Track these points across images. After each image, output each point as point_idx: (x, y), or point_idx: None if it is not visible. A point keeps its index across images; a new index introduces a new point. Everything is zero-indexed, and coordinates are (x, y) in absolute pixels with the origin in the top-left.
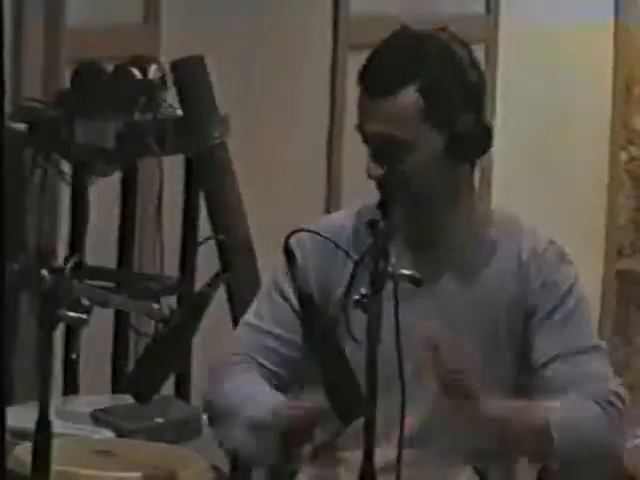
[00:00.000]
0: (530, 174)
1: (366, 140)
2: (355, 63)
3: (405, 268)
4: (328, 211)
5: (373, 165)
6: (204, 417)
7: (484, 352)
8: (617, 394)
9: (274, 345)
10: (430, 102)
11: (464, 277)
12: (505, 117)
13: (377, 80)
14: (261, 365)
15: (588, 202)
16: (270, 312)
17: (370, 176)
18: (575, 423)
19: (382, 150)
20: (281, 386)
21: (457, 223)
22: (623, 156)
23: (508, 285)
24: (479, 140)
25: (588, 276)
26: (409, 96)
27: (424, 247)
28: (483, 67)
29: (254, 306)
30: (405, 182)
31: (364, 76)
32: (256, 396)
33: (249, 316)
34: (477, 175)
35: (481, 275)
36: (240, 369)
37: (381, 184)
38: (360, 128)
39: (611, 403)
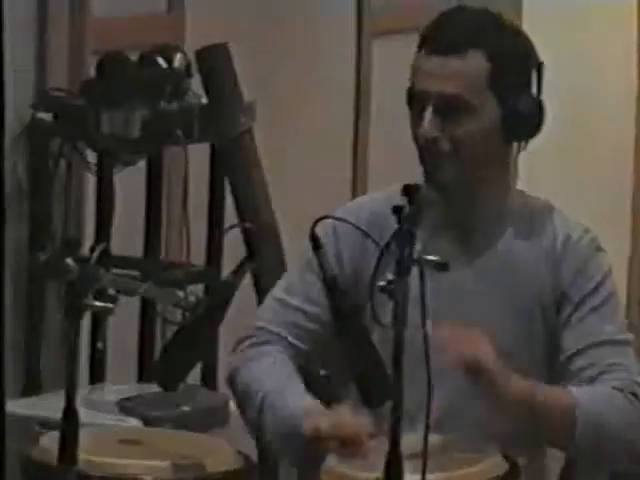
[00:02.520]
0: (556, 157)
1: (422, 100)
2: (379, 49)
3: (435, 249)
4: (354, 196)
5: (429, 126)
6: (232, 405)
7: (517, 336)
8: None
9: (302, 321)
10: (496, 69)
11: (496, 261)
12: None
13: (447, 38)
14: (287, 340)
15: (613, 183)
16: (302, 289)
17: (422, 137)
18: (600, 411)
19: (444, 109)
20: (304, 362)
21: (492, 205)
22: None
23: (542, 272)
24: (533, 118)
25: (614, 258)
26: (478, 58)
27: (456, 228)
28: None
29: (284, 281)
30: (456, 149)
31: (430, 35)
32: (284, 390)
33: (278, 291)
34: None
35: (514, 260)
36: (266, 352)
37: (431, 148)
38: (415, 90)
39: (636, 395)
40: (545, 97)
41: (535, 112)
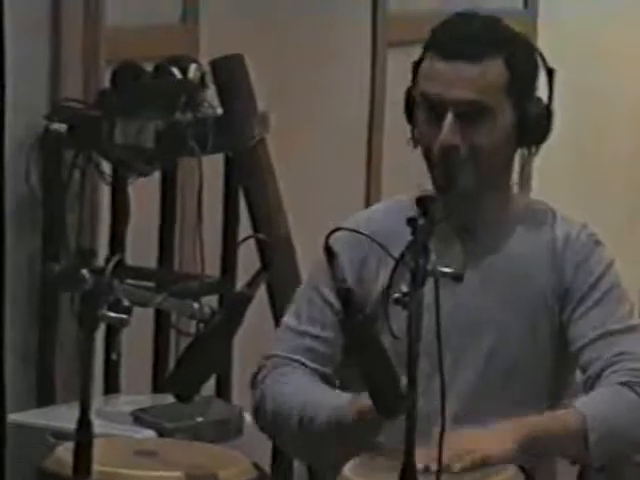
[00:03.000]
0: (571, 160)
1: (438, 107)
2: (394, 60)
3: (441, 253)
4: (367, 205)
5: (450, 133)
6: (246, 417)
7: (522, 337)
8: None
9: (314, 345)
10: (514, 77)
11: (500, 263)
12: None
13: (465, 44)
14: (305, 365)
15: (629, 182)
16: (308, 313)
17: (441, 145)
18: (609, 417)
19: (463, 116)
20: (326, 383)
21: (497, 209)
22: None
23: (545, 273)
24: (544, 124)
25: (631, 255)
26: (498, 66)
27: (461, 230)
28: None
29: (293, 307)
30: (475, 155)
31: (443, 40)
32: (315, 395)
33: (288, 318)
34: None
35: (518, 261)
36: (288, 370)
37: (449, 156)
38: (427, 95)
39: None
40: (559, 103)
41: (546, 118)
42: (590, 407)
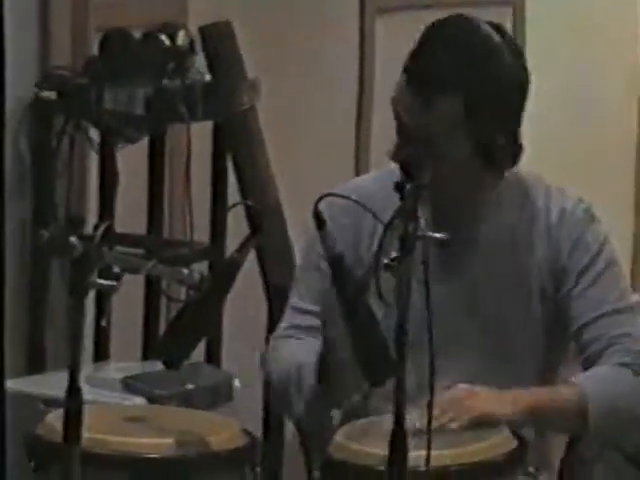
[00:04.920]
0: (561, 133)
1: (398, 120)
2: (382, 26)
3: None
4: (357, 174)
5: (398, 148)
6: (236, 383)
7: (515, 316)
8: None
9: (307, 320)
10: (470, 114)
11: (492, 240)
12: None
13: (422, 79)
14: (307, 340)
15: (619, 158)
16: (307, 290)
17: (392, 157)
18: (610, 395)
19: (412, 141)
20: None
21: (481, 205)
22: None
23: (538, 247)
24: (509, 155)
25: (620, 232)
26: (452, 103)
27: (446, 224)
28: (510, 28)
29: (295, 285)
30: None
31: (410, 68)
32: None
33: (292, 298)
34: None
35: (510, 238)
36: (293, 340)
37: (403, 166)
38: (395, 107)
39: None
40: (550, 75)
41: (510, 146)
42: (591, 384)
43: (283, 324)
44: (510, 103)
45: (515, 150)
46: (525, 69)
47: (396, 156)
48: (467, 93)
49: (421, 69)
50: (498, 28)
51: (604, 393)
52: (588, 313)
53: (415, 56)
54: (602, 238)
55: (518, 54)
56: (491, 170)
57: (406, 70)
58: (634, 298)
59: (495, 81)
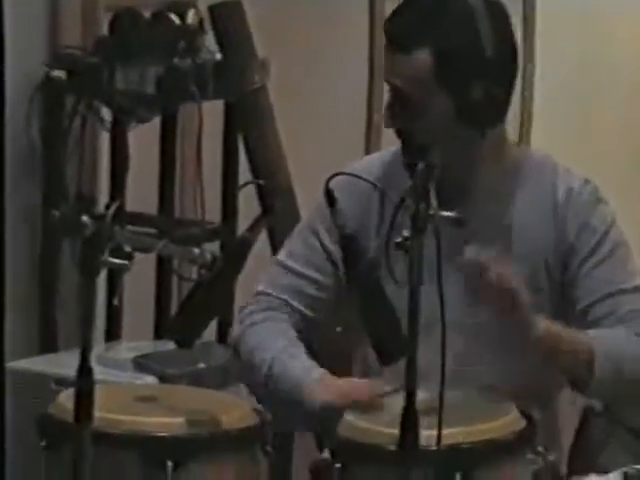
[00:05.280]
0: (570, 118)
1: (386, 82)
2: (392, 9)
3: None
4: (368, 152)
5: (387, 115)
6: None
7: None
8: None
9: (305, 286)
10: (442, 66)
11: (498, 220)
12: (545, 67)
13: (395, 36)
14: (290, 306)
15: (627, 143)
16: (303, 254)
17: (385, 124)
18: (618, 349)
19: (396, 103)
20: (307, 326)
21: (482, 178)
22: None
23: (545, 224)
24: (490, 110)
25: (629, 216)
26: (422, 57)
27: (449, 201)
28: (520, 13)
29: (287, 245)
30: (417, 139)
31: (385, 29)
32: (286, 360)
33: (282, 255)
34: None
35: (516, 216)
36: (269, 317)
37: (399, 134)
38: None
39: None
40: (560, 64)
41: (491, 100)
42: (602, 335)
43: (268, 288)
44: (482, 59)
45: (497, 109)
46: (506, 32)
47: (388, 123)
48: (435, 48)
49: (391, 27)
50: None
51: (612, 342)
52: (598, 291)
53: (389, 17)
54: (609, 219)
55: (500, 15)
56: (472, 128)
57: (384, 31)
58: None
59: (464, 36)
